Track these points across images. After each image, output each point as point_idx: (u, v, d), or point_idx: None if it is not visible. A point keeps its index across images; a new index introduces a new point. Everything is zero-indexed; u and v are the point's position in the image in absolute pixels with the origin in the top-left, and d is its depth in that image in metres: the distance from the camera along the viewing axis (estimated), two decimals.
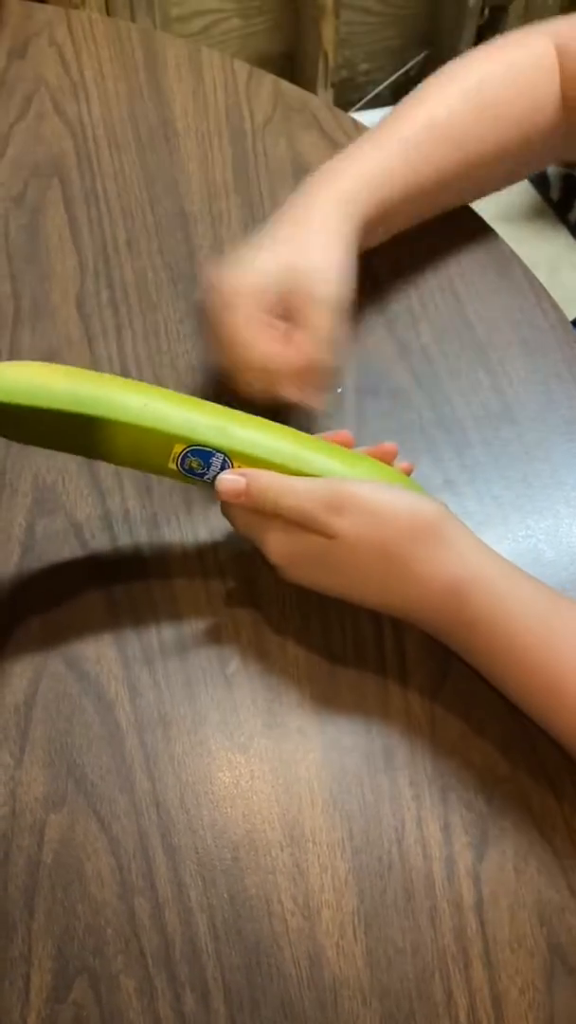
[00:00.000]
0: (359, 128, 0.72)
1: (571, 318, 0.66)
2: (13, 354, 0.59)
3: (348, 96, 1.70)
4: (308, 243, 0.53)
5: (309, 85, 1.58)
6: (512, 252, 0.64)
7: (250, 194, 0.68)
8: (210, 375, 0.59)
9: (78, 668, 0.48)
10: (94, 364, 0.59)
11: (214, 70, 0.76)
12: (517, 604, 0.43)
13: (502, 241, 0.65)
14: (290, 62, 1.60)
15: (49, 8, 0.82)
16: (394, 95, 1.71)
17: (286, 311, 0.51)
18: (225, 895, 0.42)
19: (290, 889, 0.42)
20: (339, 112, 0.74)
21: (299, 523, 0.45)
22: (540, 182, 1.63)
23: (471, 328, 0.61)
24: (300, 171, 0.69)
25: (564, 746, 0.44)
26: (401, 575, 0.44)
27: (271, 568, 0.47)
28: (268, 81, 0.76)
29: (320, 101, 0.75)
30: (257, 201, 0.68)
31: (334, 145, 0.71)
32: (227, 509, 0.47)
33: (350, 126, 0.73)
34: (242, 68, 0.77)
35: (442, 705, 0.47)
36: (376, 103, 1.69)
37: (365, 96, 1.70)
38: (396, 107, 0.60)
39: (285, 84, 0.76)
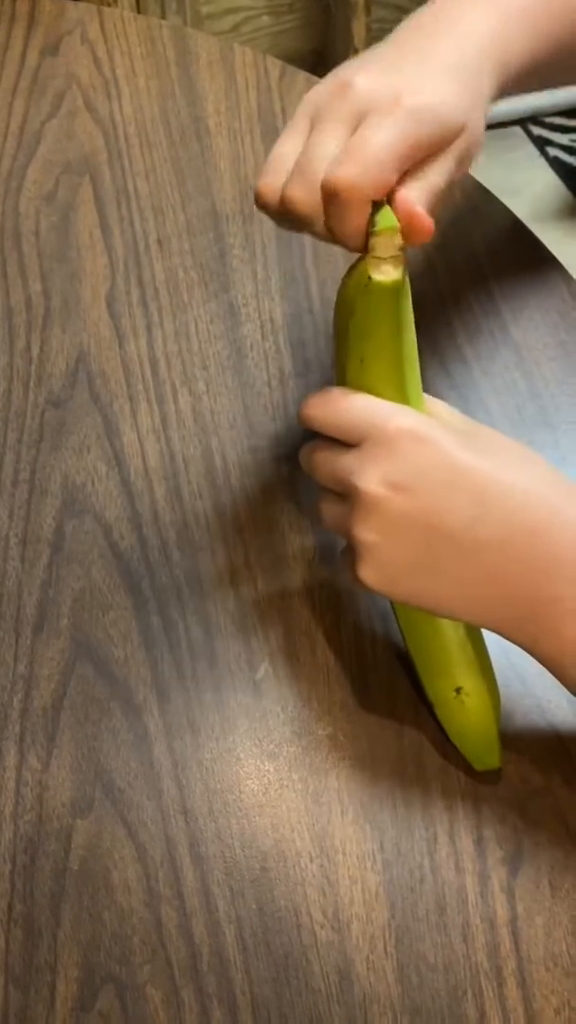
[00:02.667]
0: None
1: None
2: (43, 353, 0.59)
3: None
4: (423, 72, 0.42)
5: None
6: (549, 253, 0.63)
7: None
8: (242, 378, 0.58)
9: (106, 671, 0.47)
10: (124, 363, 0.59)
11: (246, 68, 0.76)
12: None
13: (539, 241, 0.64)
14: (321, 60, 1.60)
15: (81, 6, 0.81)
16: None
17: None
18: (253, 906, 0.41)
19: (319, 901, 0.42)
20: None
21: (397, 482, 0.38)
22: (572, 182, 1.61)
23: (506, 329, 0.59)
24: None
25: None
26: (515, 507, 0.38)
27: (354, 576, 0.41)
28: (301, 79, 0.75)
29: None
30: None
31: None
32: (319, 502, 0.43)
33: None
34: (274, 65, 0.76)
35: None
36: None
37: None
38: None
39: (318, 81, 0.75)
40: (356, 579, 0.40)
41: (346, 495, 0.40)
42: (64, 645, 0.48)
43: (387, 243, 0.39)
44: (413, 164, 0.40)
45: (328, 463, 0.42)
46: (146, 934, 0.41)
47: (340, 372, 0.43)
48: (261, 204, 0.42)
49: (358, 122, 0.40)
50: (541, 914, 0.41)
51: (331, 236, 0.41)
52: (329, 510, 0.43)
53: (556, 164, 1.64)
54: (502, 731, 0.45)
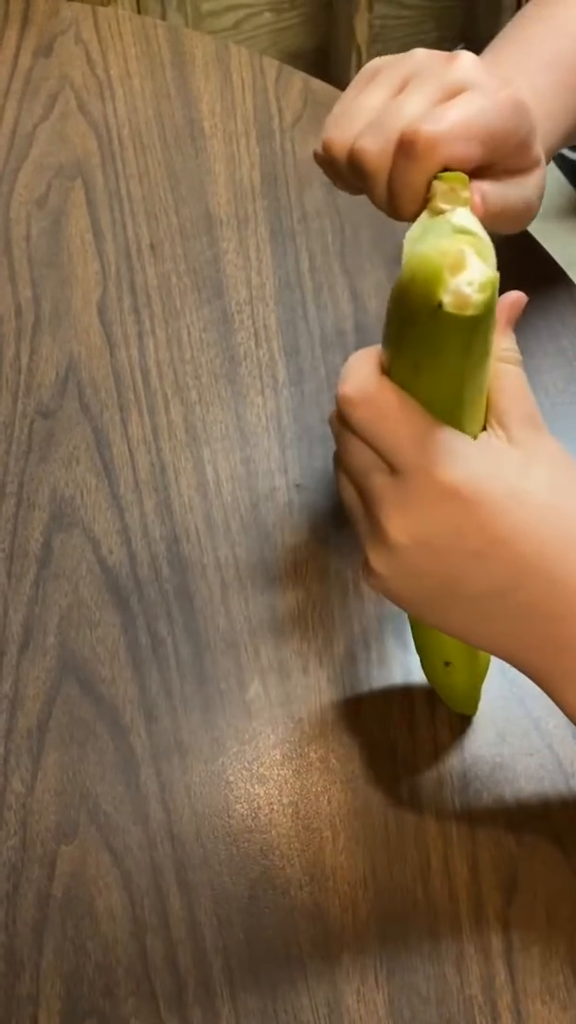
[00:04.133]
0: None
1: None
2: (33, 362, 0.58)
3: None
4: None
5: (342, 81, 1.55)
6: (551, 258, 0.62)
7: (278, 196, 0.66)
8: (235, 386, 0.57)
9: (93, 691, 0.46)
10: (115, 371, 0.57)
11: (242, 68, 0.74)
12: None
13: (540, 247, 0.62)
14: (323, 57, 1.58)
15: (76, 5, 0.80)
16: None
17: None
18: (241, 936, 0.40)
19: (309, 930, 0.40)
20: None
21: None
22: (574, 178, 1.59)
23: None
24: None
25: None
26: (547, 573, 0.33)
27: (368, 572, 0.36)
28: (298, 79, 0.74)
29: None
30: (285, 203, 0.66)
31: None
32: (338, 480, 0.37)
33: None
34: (271, 66, 0.75)
35: (472, 737, 0.45)
36: None
37: None
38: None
39: (315, 82, 0.74)
40: (364, 571, 0.36)
41: (365, 501, 0.35)
42: (50, 664, 0.47)
43: (449, 194, 0.34)
44: (494, 162, 0.38)
45: (357, 466, 0.35)
46: (131, 965, 0.40)
47: (388, 348, 0.34)
48: (327, 157, 0.39)
49: (455, 94, 0.37)
50: (537, 943, 0.40)
51: (388, 199, 0.38)
52: (349, 497, 0.37)
53: (560, 161, 1.62)
54: (498, 752, 0.43)
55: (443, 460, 0.33)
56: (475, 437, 0.34)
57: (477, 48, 0.46)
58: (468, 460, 0.33)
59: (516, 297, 0.36)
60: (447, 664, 0.42)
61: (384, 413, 0.33)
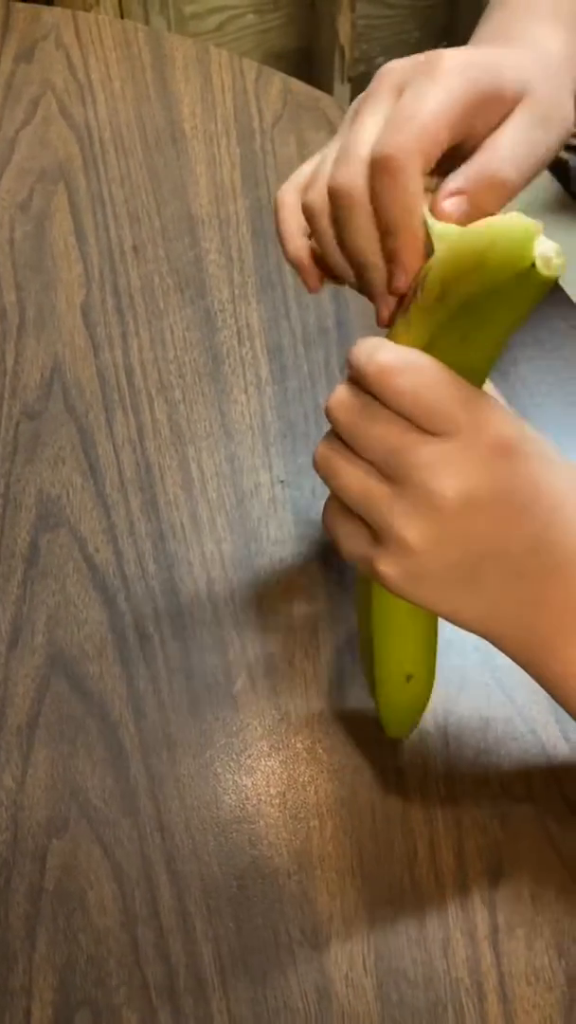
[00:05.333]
0: None
1: None
2: (18, 364, 0.59)
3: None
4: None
5: (326, 80, 1.56)
6: None
7: (259, 195, 0.67)
8: (219, 385, 0.58)
9: (82, 687, 0.47)
10: (99, 372, 0.58)
11: (222, 70, 0.75)
12: None
13: None
14: (307, 57, 1.58)
15: (56, 11, 0.81)
16: None
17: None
18: (231, 925, 0.41)
19: (298, 918, 0.41)
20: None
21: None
22: (562, 175, 1.60)
23: None
24: None
25: None
26: None
27: (371, 565, 0.35)
28: (277, 80, 0.75)
29: (330, 99, 0.74)
30: (266, 203, 0.67)
31: None
32: (338, 458, 0.36)
33: None
34: (251, 67, 0.75)
35: (456, 725, 0.45)
36: None
37: None
38: None
39: (295, 82, 0.75)
40: (373, 569, 0.35)
41: (396, 479, 0.34)
42: (39, 662, 0.47)
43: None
44: (475, 126, 0.36)
45: (387, 436, 0.34)
46: (122, 955, 0.40)
47: (422, 329, 0.34)
48: (283, 221, 0.39)
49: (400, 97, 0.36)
50: (522, 926, 0.41)
51: (381, 237, 0.36)
52: (357, 480, 0.35)
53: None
54: (482, 738, 0.44)
55: (494, 418, 0.34)
56: None
57: (459, 46, 0.45)
58: (512, 419, 0.34)
59: None
60: (409, 678, 0.41)
61: (430, 376, 0.33)
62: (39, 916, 0.41)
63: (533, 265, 0.31)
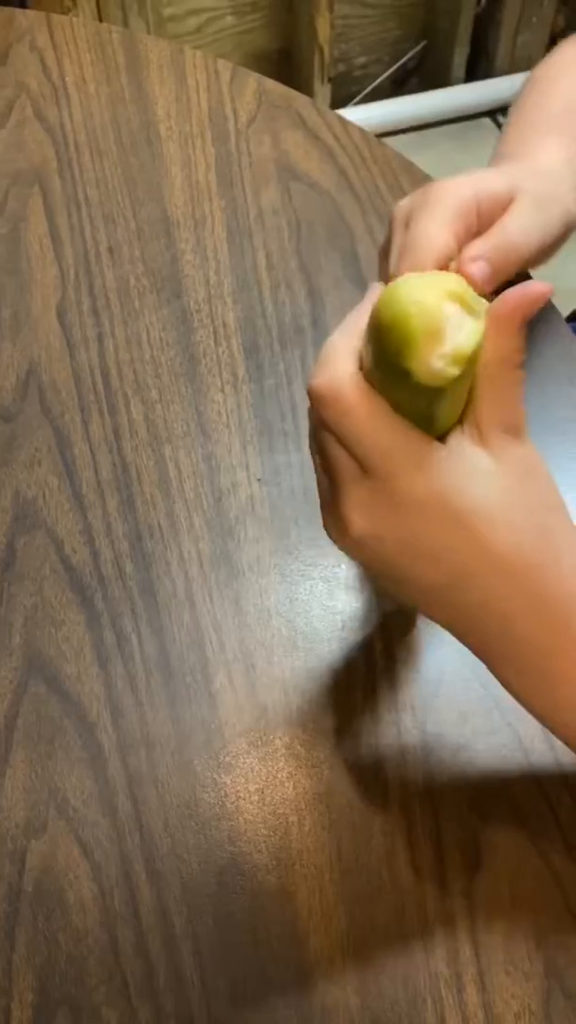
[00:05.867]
0: (344, 125, 0.71)
1: (565, 315, 0.64)
2: None
3: (347, 90, 1.68)
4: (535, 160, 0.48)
5: (306, 81, 1.56)
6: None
7: (234, 195, 0.67)
8: (195, 384, 0.58)
9: (59, 689, 0.47)
10: (75, 373, 0.58)
11: (197, 71, 0.75)
12: None
13: None
14: (287, 58, 1.59)
15: (31, 13, 0.81)
16: (393, 88, 1.69)
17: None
18: (210, 922, 0.41)
19: (277, 914, 0.41)
20: (324, 109, 0.73)
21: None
22: None
23: None
24: (285, 170, 0.68)
25: None
26: (524, 567, 0.34)
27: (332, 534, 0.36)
28: (252, 80, 0.75)
29: (305, 99, 0.74)
30: (241, 202, 0.67)
31: (319, 143, 0.69)
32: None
33: (335, 123, 0.71)
34: (225, 68, 0.75)
35: (434, 718, 0.46)
36: (375, 96, 1.68)
37: (364, 90, 1.68)
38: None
39: (269, 82, 0.75)
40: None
41: (332, 489, 0.36)
42: (16, 663, 0.47)
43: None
44: (474, 230, 0.43)
45: (328, 453, 0.35)
46: (102, 954, 0.40)
47: (367, 347, 0.34)
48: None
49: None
50: (501, 918, 0.41)
51: None
52: (319, 475, 0.37)
53: None
54: (460, 731, 0.45)
55: (407, 471, 0.34)
56: (448, 428, 0.34)
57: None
58: (432, 471, 0.34)
59: (535, 295, 0.32)
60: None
61: (352, 415, 0.33)
62: (18, 917, 0.41)
63: (410, 372, 0.30)
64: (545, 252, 0.46)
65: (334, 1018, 0.39)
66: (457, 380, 0.32)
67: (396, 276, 0.37)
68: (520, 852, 0.42)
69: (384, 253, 0.46)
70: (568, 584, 0.35)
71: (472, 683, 0.46)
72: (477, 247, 0.42)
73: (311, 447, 0.38)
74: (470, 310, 0.31)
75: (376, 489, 0.34)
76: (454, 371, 0.30)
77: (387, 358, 0.31)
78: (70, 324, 0.60)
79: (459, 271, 0.39)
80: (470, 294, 0.31)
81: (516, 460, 0.34)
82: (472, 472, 0.34)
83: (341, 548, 0.37)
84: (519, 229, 0.44)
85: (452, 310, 0.30)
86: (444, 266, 0.40)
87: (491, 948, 0.40)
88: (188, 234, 0.65)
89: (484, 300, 0.32)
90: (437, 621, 0.38)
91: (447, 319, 0.30)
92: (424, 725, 0.45)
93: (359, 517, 0.35)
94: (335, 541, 0.37)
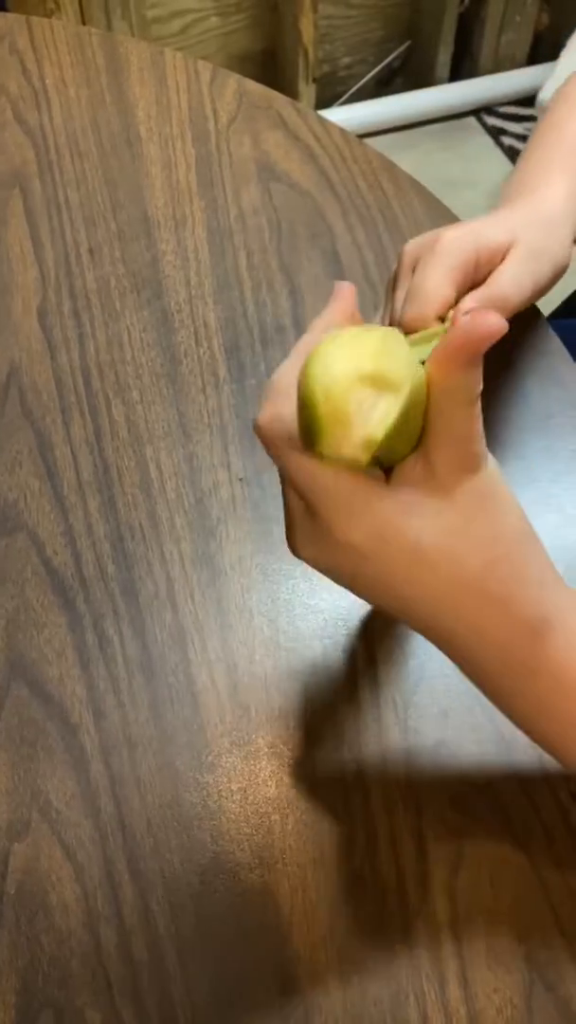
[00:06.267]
0: (325, 125, 0.71)
1: (547, 314, 0.64)
2: None
3: (332, 90, 1.68)
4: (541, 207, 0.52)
5: (291, 81, 1.56)
6: None
7: (214, 196, 0.67)
8: (176, 385, 0.58)
9: (41, 691, 0.47)
10: (56, 375, 0.58)
11: (177, 72, 0.75)
12: None
13: None
14: (271, 59, 1.59)
15: (10, 16, 0.81)
16: (378, 88, 1.70)
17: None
18: (193, 921, 0.41)
19: (259, 912, 0.41)
20: (304, 109, 0.73)
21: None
22: None
23: None
24: (265, 170, 0.68)
25: None
26: (469, 598, 0.34)
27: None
28: (232, 80, 0.75)
29: (284, 99, 0.74)
30: (222, 203, 0.67)
31: (299, 143, 0.69)
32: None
33: (315, 123, 0.71)
34: (205, 69, 0.75)
35: (415, 715, 0.46)
36: (360, 96, 1.68)
37: (349, 90, 1.68)
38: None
39: (249, 83, 0.75)
40: None
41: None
42: None
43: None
44: (478, 277, 0.47)
45: (281, 483, 0.37)
46: (85, 956, 0.40)
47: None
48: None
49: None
50: (482, 912, 0.41)
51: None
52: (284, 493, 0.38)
53: (512, 154, 1.64)
54: (441, 728, 0.45)
55: (344, 517, 0.33)
56: (403, 454, 0.33)
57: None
58: (368, 516, 0.33)
59: (483, 333, 0.31)
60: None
61: (291, 458, 0.33)
62: (1, 919, 0.41)
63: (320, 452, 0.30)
64: (536, 296, 0.51)
65: (317, 1016, 0.39)
66: (404, 414, 0.31)
67: (402, 319, 0.46)
68: (501, 848, 0.42)
69: (392, 287, 0.50)
70: (527, 611, 0.34)
71: (453, 680, 0.46)
72: (471, 300, 0.46)
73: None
74: (386, 385, 0.30)
75: (318, 528, 0.34)
76: (365, 457, 0.30)
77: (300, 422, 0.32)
78: (51, 326, 0.60)
79: (454, 322, 0.41)
80: (389, 365, 0.30)
81: (466, 494, 0.33)
82: (412, 511, 0.33)
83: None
84: (511, 280, 0.48)
85: (363, 395, 0.30)
86: (444, 313, 0.45)
87: (473, 944, 0.40)
88: (169, 235, 0.65)
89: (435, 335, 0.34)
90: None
91: (355, 407, 0.29)
92: (406, 723, 0.46)
93: (305, 549, 0.35)
94: (295, 555, 0.37)
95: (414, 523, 0.33)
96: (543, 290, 0.51)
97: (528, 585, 0.34)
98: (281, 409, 0.34)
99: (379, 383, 0.30)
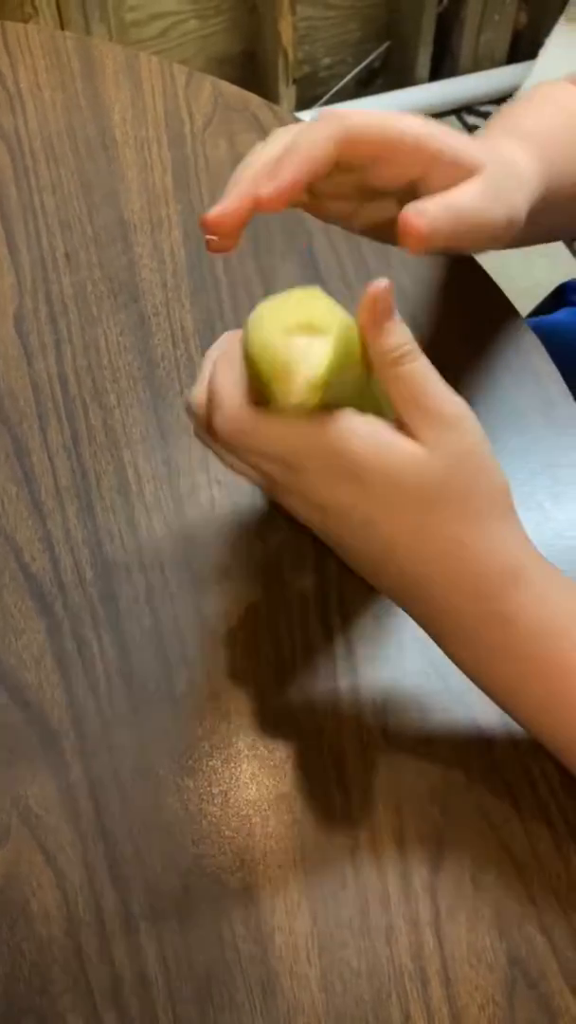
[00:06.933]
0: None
1: (525, 314, 0.64)
2: None
3: (312, 91, 1.68)
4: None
5: (272, 83, 1.56)
6: (477, 265, 0.63)
7: (191, 198, 0.67)
8: (154, 388, 0.58)
9: (20, 698, 0.47)
10: (32, 381, 0.58)
11: (152, 75, 0.75)
12: (566, 602, 0.37)
13: (472, 260, 0.63)
14: (251, 61, 1.59)
15: None
16: (358, 88, 1.70)
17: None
18: (175, 925, 0.41)
19: (241, 915, 0.41)
20: (280, 110, 0.73)
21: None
22: None
23: (416, 319, 0.59)
24: None
25: (566, 763, 0.41)
26: (444, 542, 0.36)
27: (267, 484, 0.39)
28: (207, 83, 0.75)
29: (260, 100, 0.74)
30: (198, 205, 0.67)
31: None
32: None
33: (291, 123, 0.71)
34: (180, 72, 0.75)
35: (394, 712, 0.46)
36: (341, 97, 1.68)
37: (329, 91, 1.69)
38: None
39: (225, 85, 0.75)
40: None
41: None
42: None
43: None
44: (430, 176, 0.41)
45: (253, 471, 0.39)
46: (66, 962, 0.40)
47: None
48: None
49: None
50: (464, 910, 0.41)
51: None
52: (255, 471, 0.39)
53: None
54: (421, 726, 0.45)
55: (336, 450, 0.35)
56: (348, 402, 0.36)
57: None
58: (361, 444, 0.35)
59: (376, 292, 0.34)
60: None
61: (258, 436, 0.35)
62: None
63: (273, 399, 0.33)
64: (485, 232, 0.43)
65: (300, 1016, 0.39)
66: (339, 353, 0.33)
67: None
68: (482, 844, 0.42)
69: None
70: (498, 560, 0.36)
71: (432, 677, 0.47)
72: (422, 202, 0.40)
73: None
74: (316, 330, 0.33)
75: (310, 472, 0.36)
76: (314, 398, 0.33)
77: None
78: (27, 332, 0.60)
79: (401, 219, 0.38)
80: (313, 313, 0.33)
81: (447, 446, 0.35)
82: (392, 456, 0.35)
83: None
84: (469, 197, 0.41)
85: (297, 343, 0.32)
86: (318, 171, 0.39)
87: (455, 941, 0.40)
88: (145, 238, 0.65)
89: (339, 310, 0.34)
90: (384, 591, 0.40)
91: (294, 355, 0.32)
92: (385, 720, 0.46)
93: (295, 499, 0.37)
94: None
95: (395, 463, 0.35)
96: (486, 231, 0.42)
97: (500, 539, 0.36)
98: (230, 409, 0.36)
99: (309, 329, 0.33)
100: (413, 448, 0.35)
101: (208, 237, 0.40)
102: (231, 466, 0.41)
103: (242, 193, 0.39)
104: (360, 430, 0.35)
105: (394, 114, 0.40)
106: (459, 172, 0.41)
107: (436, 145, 0.41)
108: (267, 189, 0.38)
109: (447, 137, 0.42)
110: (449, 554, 0.36)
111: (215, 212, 0.39)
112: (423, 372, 0.36)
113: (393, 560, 0.37)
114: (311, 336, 0.32)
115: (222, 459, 0.41)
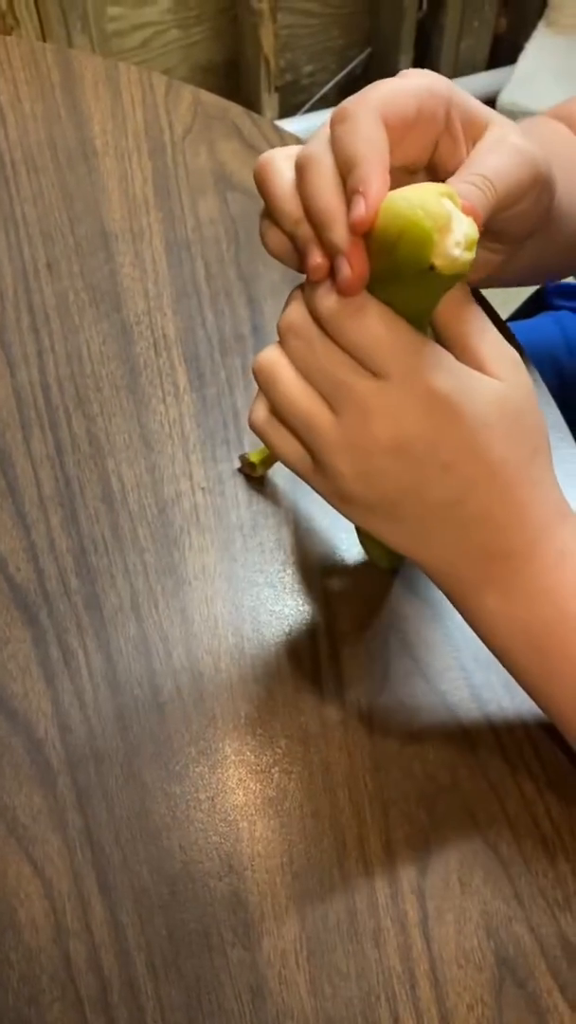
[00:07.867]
0: (280, 134, 0.71)
1: (505, 317, 0.65)
2: None
3: (295, 99, 1.69)
4: None
5: (254, 91, 1.57)
6: None
7: (171, 207, 0.67)
8: (137, 396, 0.58)
9: (6, 707, 0.47)
10: (15, 391, 0.58)
11: (132, 86, 0.76)
12: None
13: None
14: (234, 69, 1.60)
15: None
16: (341, 95, 1.71)
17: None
18: (163, 932, 0.41)
19: (230, 920, 0.41)
20: (259, 118, 0.74)
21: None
22: None
23: None
24: (221, 180, 0.69)
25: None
26: (519, 480, 0.37)
27: (309, 480, 0.38)
28: (187, 92, 0.75)
29: (239, 108, 0.74)
30: (179, 214, 0.67)
31: (255, 152, 0.70)
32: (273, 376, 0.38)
33: (271, 132, 0.72)
34: (160, 81, 0.76)
35: (380, 717, 0.46)
36: (324, 104, 1.69)
37: (312, 98, 1.69)
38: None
39: (204, 94, 0.75)
40: (307, 479, 0.38)
41: (337, 410, 0.36)
42: None
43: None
44: (446, 142, 0.38)
45: (333, 371, 0.35)
46: (55, 972, 0.40)
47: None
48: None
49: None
50: (451, 911, 0.41)
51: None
52: (302, 400, 0.36)
53: None
54: (407, 727, 0.45)
55: (434, 369, 0.35)
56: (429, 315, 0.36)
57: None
58: (453, 373, 0.35)
59: (471, 209, 0.35)
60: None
61: (375, 319, 0.35)
62: None
63: (432, 267, 0.32)
64: (520, 193, 0.39)
65: (289, 1020, 0.39)
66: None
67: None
68: (469, 845, 0.43)
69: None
70: (553, 497, 0.38)
71: (418, 679, 0.47)
72: (462, 173, 0.37)
73: (263, 427, 0.39)
74: (458, 204, 0.33)
75: (402, 391, 0.35)
76: (470, 255, 0.32)
77: (402, 267, 0.33)
78: (9, 342, 0.60)
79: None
80: (454, 192, 0.34)
81: (522, 386, 0.37)
82: (480, 386, 0.36)
83: (343, 476, 0.36)
84: (497, 154, 0.38)
85: (449, 205, 0.33)
86: (393, 116, 0.37)
87: (443, 942, 0.41)
88: (126, 247, 0.65)
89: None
90: (424, 554, 0.39)
91: (452, 213, 0.32)
92: (371, 723, 0.46)
93: (382, 422, 0.35)
94: (333, 489, 0.37)
95: (481, 394, 0.36)
96: (532, 173, 0.39)
97: (553, 476, 0.38)
98: (358, 302, 0.35)
99: (454, 200, 0.33)
100: (493, 382, 0.36)
101: (343, 272, 0.35)
102: (267, 430, 0.38)
103: (380, 182, 0.34)
104: (447, 360, 0.36)
105: (398, 88, 0.37)
106: (474, 131, 0.39)
107: (444, 111, 0.38)
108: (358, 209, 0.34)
109: (460, 96, 0.39)
110: (521, 494, 0.37)
111: (359, 211, 0.34)
112: (476, 321, 0.37)
113: (465, 504, 0.36)
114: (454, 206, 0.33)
115: (258, 429, 0.39)
